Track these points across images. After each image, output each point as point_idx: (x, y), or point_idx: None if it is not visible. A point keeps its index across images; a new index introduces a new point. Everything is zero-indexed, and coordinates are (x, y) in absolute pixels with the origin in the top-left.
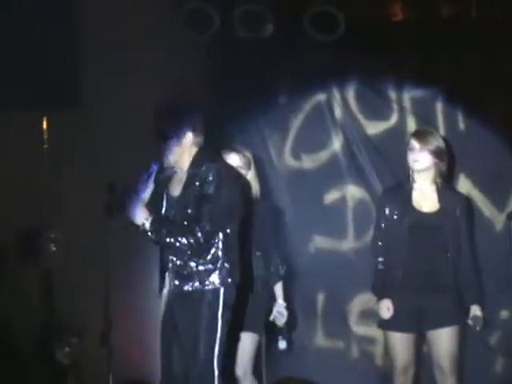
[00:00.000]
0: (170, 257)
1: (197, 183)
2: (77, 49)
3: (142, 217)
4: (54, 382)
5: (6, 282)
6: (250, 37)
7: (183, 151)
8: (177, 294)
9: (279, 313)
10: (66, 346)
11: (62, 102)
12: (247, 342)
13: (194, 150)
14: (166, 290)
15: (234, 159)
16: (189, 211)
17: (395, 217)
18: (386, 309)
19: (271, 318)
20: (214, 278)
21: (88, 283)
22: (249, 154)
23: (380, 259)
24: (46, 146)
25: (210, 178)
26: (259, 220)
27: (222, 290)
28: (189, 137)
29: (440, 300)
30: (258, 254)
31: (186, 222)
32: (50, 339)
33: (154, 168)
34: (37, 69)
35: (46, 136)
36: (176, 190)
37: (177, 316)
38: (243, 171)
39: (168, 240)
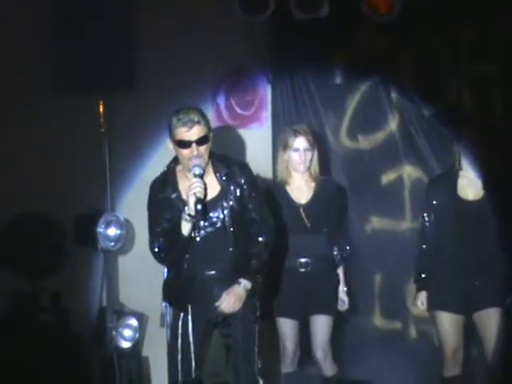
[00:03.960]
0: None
1: (231, 183)
2: (130, 33)
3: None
4: (113, 364)
5: (66, 264)
6: (306, 18)
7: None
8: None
9: (341, 300)
10: (126, 328)
11: (117, 85)
12: (324, 324)
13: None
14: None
15: (301, 142)
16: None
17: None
18: (420, 303)
19: (338, 306)
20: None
21: (148, 265)
22: (312, 135)
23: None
24: (102, 129)
25: (244, 178)
26: (323, 198)
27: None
28: (211, 137)
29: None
30: (324, 230)
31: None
32: (107, 322)
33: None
34: (92, 51)
35: (102, 119)
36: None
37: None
38: (311, 152)
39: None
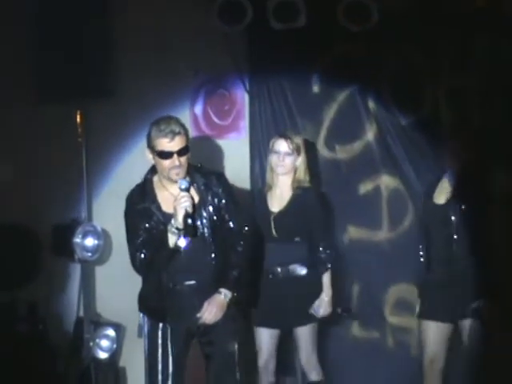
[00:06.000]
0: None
1: (210, 192)
2: (106, 42)
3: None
4: (90, 375)
5: (43, 274)
6: (284, 28)
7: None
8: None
9: (315, 306)
10: (104, 338)
11: (94, 92)
12: (305, 334)
13: None
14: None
15: (282, 145)
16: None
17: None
18: None
19: (310, 310)
20: None
21: (125, 275)
22: (298, 140)
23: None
24: (79, 139)
25: (221, 187)
26: (304, 206)
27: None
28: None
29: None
30: (296, 239)
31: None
32: (84, 333)
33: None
34: (68, 60)
35: (79, 130)
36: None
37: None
38: (291, 157)
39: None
